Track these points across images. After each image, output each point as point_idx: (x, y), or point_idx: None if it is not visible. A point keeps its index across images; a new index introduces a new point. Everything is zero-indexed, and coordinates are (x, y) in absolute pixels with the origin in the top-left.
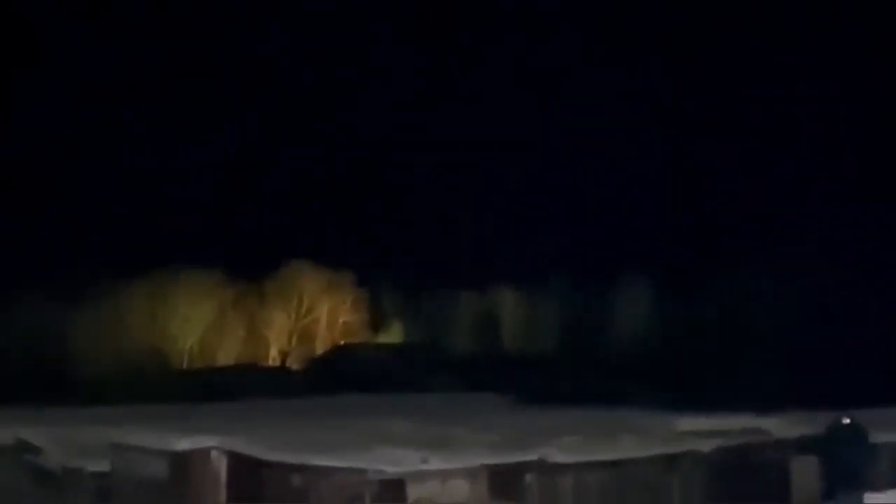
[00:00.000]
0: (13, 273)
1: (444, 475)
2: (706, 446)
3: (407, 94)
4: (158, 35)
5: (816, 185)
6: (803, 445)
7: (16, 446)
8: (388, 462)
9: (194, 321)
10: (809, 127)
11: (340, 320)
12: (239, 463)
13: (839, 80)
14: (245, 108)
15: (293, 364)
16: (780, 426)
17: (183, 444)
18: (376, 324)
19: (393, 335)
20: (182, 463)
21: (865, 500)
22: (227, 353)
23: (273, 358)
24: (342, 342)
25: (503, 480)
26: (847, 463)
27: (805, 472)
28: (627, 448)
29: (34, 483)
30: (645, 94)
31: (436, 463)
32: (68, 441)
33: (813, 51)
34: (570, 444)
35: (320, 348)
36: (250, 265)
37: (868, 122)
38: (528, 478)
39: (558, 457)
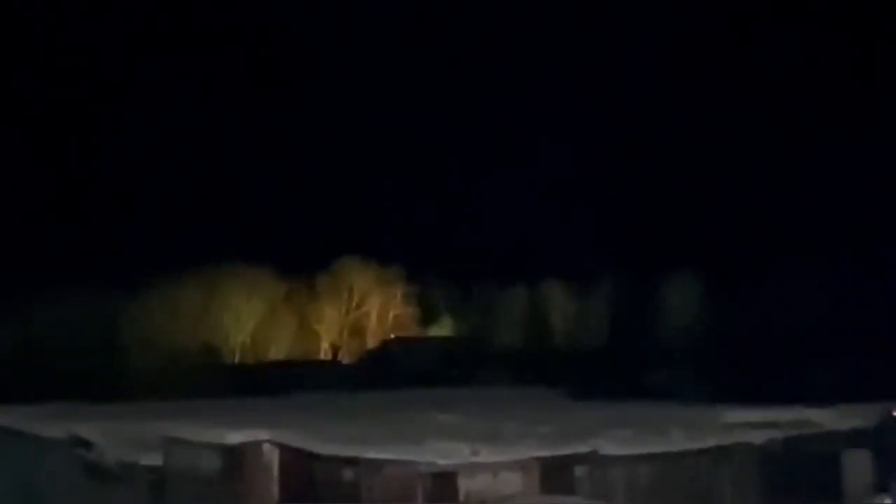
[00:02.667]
0: (67, 268)
1: (496, 468)
2: (757, 438)
3: (455, 93)
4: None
5: (866, 183)
6: (855, 438)
7: (69, 441)
8: (440, 455)
9: (246, 316)
10: (857, 125)
11: (391, 315)
12: (291, 456)
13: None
14: (295, 110)
15: (344, 358)
16: (831, 419)
17: (235, 437)
18: (426, 318)
19: (443, 329)
20: (235, 456)
21: None
22: (279, 348)
23: (324, 352)
24: (392, 336)
25: (554, 473)
26: None
27: (857, 465)
28: (678, 441)
29: (88, 477)
30: (694, 96)
31: (487, 456)
32: (122, 435)
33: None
34: (621, 436)
35: (371, 342)
36: (301, 261)
37: None
38: (580, 470)
39: (609, 449)
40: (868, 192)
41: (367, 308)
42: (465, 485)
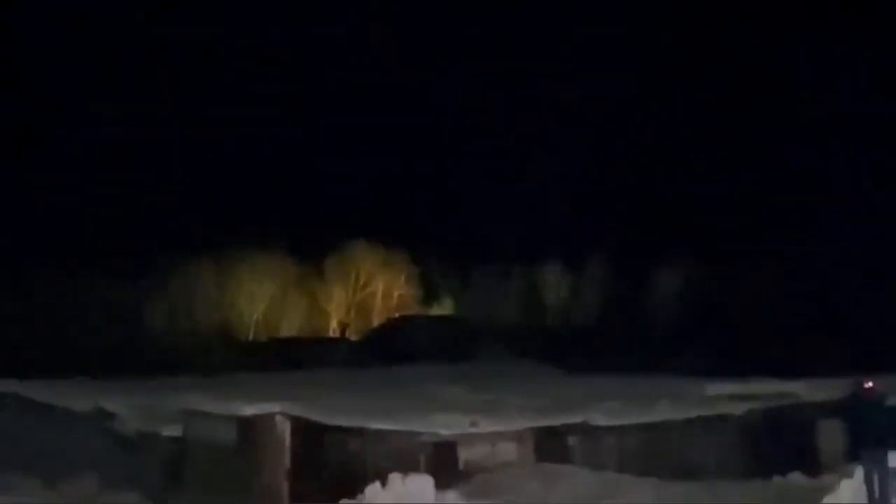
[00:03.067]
0: (95, 253)
1: (494, 438)
2: (738, 409)
3: (457, 84)
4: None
5: (834, 166)
6: (829, 408)
7: (96, 413)
8: (441, 426)
9: (260, 297)
10: (843, 105)
11: (395, 295)
12: (301, 427)
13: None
14: (305, 106)
15: (351, 335)
16: (806, 391)
17: (249, 410)
18: (428, 298)
19: (445, 309)
20: (249, 428)
21: (889, 459)
22: (291, 326)
23: (333, 330)
24: (397, 315)
25: (549, 442)
26: (869, 424)
27: (831, 434)
28: (665, 412)
29: (112, 447)
30: (681, 86)
31: (485, 426)
32: (144, 408)
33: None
34: (612, 408)
35: (376, 321)
36: (311, 245)
37: None
38: (572, 440)
39: (600, 420)
40: (836, 182)
41: (372, 289)
42: (464, 454)
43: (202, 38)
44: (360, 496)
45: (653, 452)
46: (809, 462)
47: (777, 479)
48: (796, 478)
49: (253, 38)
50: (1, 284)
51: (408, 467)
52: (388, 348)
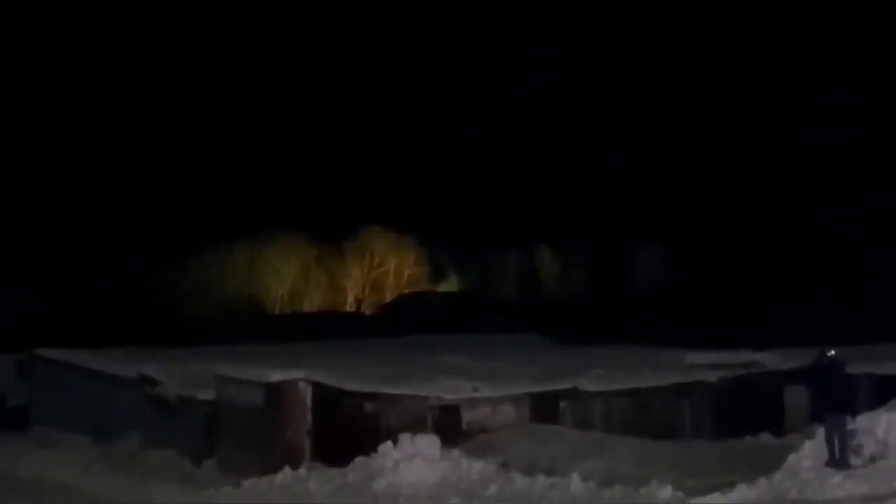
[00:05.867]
0: (138, 234)
1: (493, 401)
2: (712, 377)
3: (457, 85)
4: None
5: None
6: (794, 376)
7: (138, 379)
8: (446, 390)
9: (285, 275)
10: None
11: (405, 273)
12: (322, 392)
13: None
14: (325, 110)
15: (366, 310)
16: (774, 360)
17: (276, 376)
18: (435, 276)
19: (450, 286)
20: (275, 392)
21: (847, 422)
22: (312, 301)
23: (350, 304)
24: (407, 291)
25: (542, 406)
26: (829, 390)
27: (796, 399)
28: (646, 379)
29: (153, 409)
30: (668, 84)
31: (486, 391)
32: (181, 374)
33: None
34: (598, 375)
35: (388, 297)
36: (331, 229)
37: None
38: (563, 403)
39: (588, 386)
40: (808, 162)
41: (385, 268)
42: (467, 415)
43: (239, 31)
44: (373, 453)
45: (635, 415)
46: (777, 423)
47: (748, 438)
48: (765, 437)
49: (275, 37)
50: (57, 265)
51: (417, 427)
52: (399, 321)
